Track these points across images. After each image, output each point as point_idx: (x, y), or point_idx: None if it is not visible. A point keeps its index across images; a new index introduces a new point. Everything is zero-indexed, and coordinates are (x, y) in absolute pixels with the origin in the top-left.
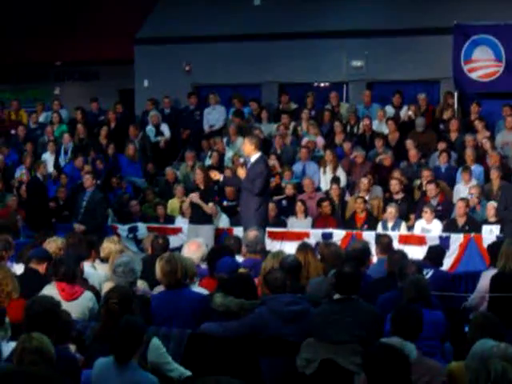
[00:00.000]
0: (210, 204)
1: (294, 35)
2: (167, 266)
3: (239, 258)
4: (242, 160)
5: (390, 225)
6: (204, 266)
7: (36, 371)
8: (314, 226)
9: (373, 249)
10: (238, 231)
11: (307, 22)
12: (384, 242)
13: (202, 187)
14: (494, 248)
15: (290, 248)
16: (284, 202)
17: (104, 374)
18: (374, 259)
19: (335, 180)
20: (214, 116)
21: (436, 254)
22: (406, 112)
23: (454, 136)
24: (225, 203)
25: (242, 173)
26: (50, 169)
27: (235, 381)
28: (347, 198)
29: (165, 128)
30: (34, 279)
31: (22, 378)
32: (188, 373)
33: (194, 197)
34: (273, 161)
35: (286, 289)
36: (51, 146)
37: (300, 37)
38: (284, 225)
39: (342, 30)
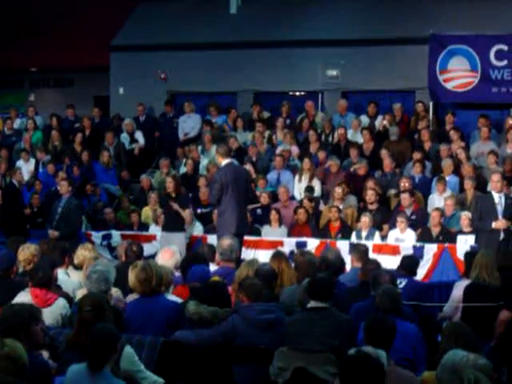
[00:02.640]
0: (187, 210)
1: (270, 44)
2: (142, 273)
3: (213, 266)
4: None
5: (363, 234)
6: (177, 273)
7: (5, 381)
8: (290, 234)
9: (346, 258)
10: (212, 239)
11: (283, 31)
12: (361, 250)
13: (174, 195)
14: (468, 257)
15: (263, 256)
16: (259, 211)
17: (77, 381)
18: (348, 268)
19: (310, 189)
20: (190, 124)
21: (410, 263)
22: (380, 122)
23: (427, 146)
24: (199, 211)
25: None
26: (24, 176)
27: None
28: (321, 207)
29: (139, 135)
30: (5, 285)
31: None
32: (160, 380)
33: (174, 205)
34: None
35: (261, 297)
36: (24, 154)
37: (276, 45)
38: (258, 233)
39: (318, 39)
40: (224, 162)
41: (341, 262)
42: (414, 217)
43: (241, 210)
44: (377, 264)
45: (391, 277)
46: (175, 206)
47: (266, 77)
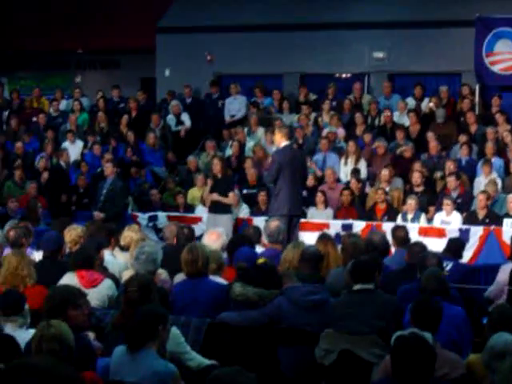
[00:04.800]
0: (231, 194)
1: (317, 26)
2: (189, 254)
3: (259, 249)
4: (273, 149)
5: (409, 217)
6: (224, 255)
7: (48, 364)
8: (336, 216)
9: (392, 240)
10: (258, 221)
11: (330, 13)
12: (399, 236)
13: (220, 177)
14: None
15: (309, 238)
16: (304, 193)
17: (120, 362)
18: (393, 250)
19: (356, 171)
20: (235, 106)
21: (456, 246)
22: (427, 104)
23: (473, 129)
24: (245, 191)
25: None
26: (71, 157)
27: (250, 375)
28: (367, 189)
29: (185, 117)
30: (53, 266)
31: (34, 371)
32: (207, 362)
33: (214, 195)
34: None
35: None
36: (70, 136)
37: (323, 27)
38: (304, 215)
39: (365, 22)
40: (283, 143)
41: (386, 245)
42: (460, 199)
43: (295, 192)
44: (423, 246)
45: (438, 259)
46: (215, 196)
47: (313, 59)
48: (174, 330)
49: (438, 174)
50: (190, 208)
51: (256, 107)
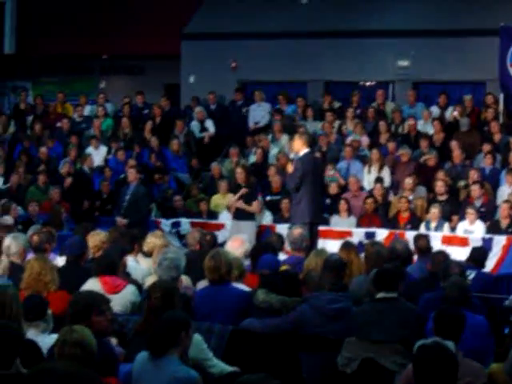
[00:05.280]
0: (255, 203)
1: (341, 33)
2: (211, 261)
3: (282, 256)
4: (291, 156)
5: (432, 225)
6: (246, 262)
7: (70, 369)
8: (359, 224)
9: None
10: (281, 228)
11: (354, 21)
12: (421, 245)
13: (244, 185)
14: None
15: (332, 246)
16: (328, 201)
17: (142, 368)
18: (416, 258)
19: (379, 179)
20: (259, 113)
21: (479, 255)
22: (451, 113)
23: (497, 138)
24: (268, 198)
25: (290, 168)
26: (94, 163)
27: (276, 382)
28: (391, 197)
29: (209, 124)
30: (76, 272)
31: (56, 376)
32: (229, 369)
33: (238, 203)
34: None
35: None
36: (94, 141)
37: (347, 35)
38: (326, 223)
39: (390, 30)
40: (304, 150)
41: (409, 253)
42: (483, 209)
43: (317, 199)
44: (445, 255)
45: (460, 268)
46: (239, 204)
47: (337, 67)
48: (197, 337)
49: (462, 183)
50: (213, 215)
51: (279, 114)
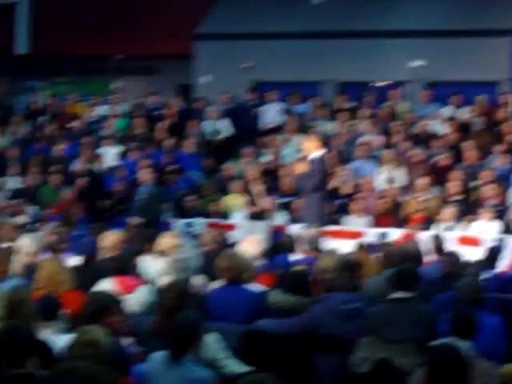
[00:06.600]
0: (268, 200)
1: (356, 34)
2: (224, 262)
3: (296, 256)
4: (302, 156)
5: (446, 226)
6: (261, 262)
7: (90, 369)
8: (371, 224)
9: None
10: (295, 228)
11: (369, 21)
12: (434, 245)
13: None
14: None
15: (344, 246)
16: (341, 201)
17: (160, 369)
18: (429, 259)
19: (392, 179)
20: (272, 113)
21: (493, 255)
22: (465, 113)
23: (510, 138)
24: (281, 199)
25: (301, 168)
26: (108, 163)
27: (278, 382)
28: (404, 197)
29: (223, 123)
30: (88, 272)
31: (75, 376)
32: (242, 369)
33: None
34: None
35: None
36: (107, 141)
37: (361, 35)
38: (338, 223)
39: (403, 30)
40: (317, 151)
41: (420, 254)
42: (496, 209)
43: (327, 200)
44: (459, 256)
45: (474, 269)
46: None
47: (351, 67)
48: (212, 336)
49: (475, 183)
50: (226, 215)
51: (292, 115)
